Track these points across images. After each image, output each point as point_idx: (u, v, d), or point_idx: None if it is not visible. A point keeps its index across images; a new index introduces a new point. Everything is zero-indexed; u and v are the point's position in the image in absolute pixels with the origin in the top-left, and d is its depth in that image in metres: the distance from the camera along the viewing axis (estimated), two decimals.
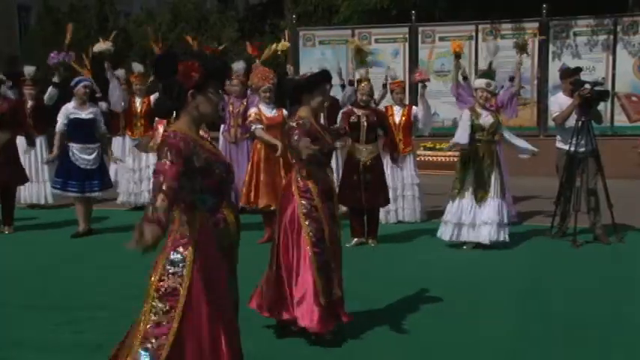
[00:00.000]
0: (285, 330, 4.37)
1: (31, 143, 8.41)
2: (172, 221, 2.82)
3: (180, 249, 2.80)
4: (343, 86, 9.09)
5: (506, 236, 6.82)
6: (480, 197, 6.78)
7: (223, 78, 3.06)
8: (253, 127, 7.21)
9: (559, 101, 7.38)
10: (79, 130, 7.63)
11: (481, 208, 6.76)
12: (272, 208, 7.13)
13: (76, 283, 5.79)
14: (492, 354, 4.22)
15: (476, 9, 14.61)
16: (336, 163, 8.28)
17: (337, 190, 5.35)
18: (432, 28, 13.81)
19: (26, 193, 9.40)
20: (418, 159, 9.98)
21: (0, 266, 6.50)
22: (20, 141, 8.46)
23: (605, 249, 6.98)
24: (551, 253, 6.80)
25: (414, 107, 8.33)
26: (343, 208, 6.81)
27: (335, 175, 8.10)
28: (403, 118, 8.15)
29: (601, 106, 7.64)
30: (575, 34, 12.99)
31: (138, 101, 9.41)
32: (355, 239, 7.03)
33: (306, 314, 4.15)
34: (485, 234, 6.75)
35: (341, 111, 7.61)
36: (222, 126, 8.94)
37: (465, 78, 8.06)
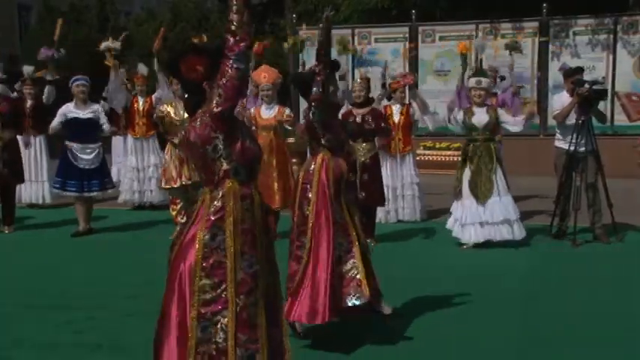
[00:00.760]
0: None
1: (26, 143, 8.45)
2: (202, 202, 2.91)
3: (218, 222, 2.85)
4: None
5: (519, 234, 6.84)
6: (482, 196, 6.78)
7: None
8: None
9: (562, 100, 7.39)
10: (77, 129, 7.63)
11: (488, 207, 6.75)
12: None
13: (76, 283, 5.80)
14: (492, 353, 4.22)
15: (476, 8, 14.61)
16: None
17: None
18: (432, 27, 13.83)
19: (26, 193, 9.42)
20: (418, 158, 9.98)
21: (2, 265, 6.51)
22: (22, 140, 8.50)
23: (605, 248, 6.98)
24: (551, 253, 6.80)
25: (411, 107, 8.34)
26: None
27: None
28: (402, 118, 8.15)
29: (601, 106, 7.64)
30: (575, 34, 12.99)
31: (140, 101, 9.42)
32: None
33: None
34: (498, 232, 6.76)
35: (340, 112, 7.61)
36: None
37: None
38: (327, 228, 4.17)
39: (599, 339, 4.41)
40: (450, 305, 5.04)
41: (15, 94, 9.39)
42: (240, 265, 2.83)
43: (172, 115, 7.34)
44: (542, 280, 5.88)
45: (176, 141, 7.15)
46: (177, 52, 3.00)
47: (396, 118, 8.15)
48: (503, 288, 5.57)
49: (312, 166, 4.31)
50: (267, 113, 7.21)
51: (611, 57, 12.78)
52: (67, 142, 7.73)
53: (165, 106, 7.51)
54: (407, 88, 8.26)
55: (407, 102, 8.34)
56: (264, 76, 7.30)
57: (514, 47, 8.38)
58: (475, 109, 6.84)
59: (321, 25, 4.48)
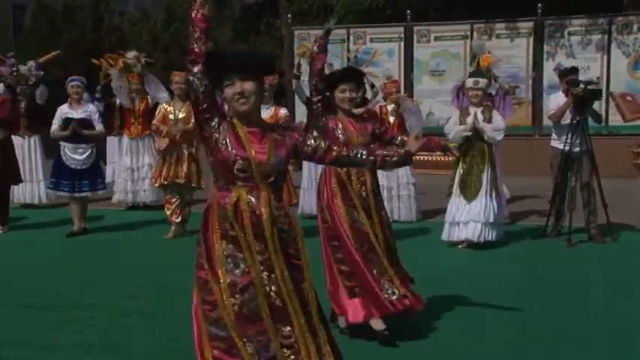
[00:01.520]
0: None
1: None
2: None
3: (202, 228, 2.94)
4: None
5: (493, 235, 6.83)
6: (470, 195, 6.79)
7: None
8: None
9: (557, 100, 7.42)
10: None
11: (472, 207, 6.77)
12: None
13: (72, 283, 5.78)
14: (486, 353, 4.23)
15: (470, 8, 14.63)
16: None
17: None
18: (427, 27, 13.84)
19: (20, 193, 9.38)
20: (414, 158, 9.98)
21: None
22: (17, 140, 8.47)
23: (600, 248, 7.00)
24: (546, 253, 6.82)
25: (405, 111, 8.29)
26: None
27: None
28: (397, 118, 8.15)
29: (596, 106, 7.66)
30: (569, 34, 13.02)
31: (136, 100, 9.38)
32: None
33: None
34: (477, 233, 6.77)
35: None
36: None
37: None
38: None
39: (594, 339, 4.42)
40: (444, 305, 5.04)
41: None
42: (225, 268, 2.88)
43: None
44: (537, 280, 5.88)
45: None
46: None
47: (391, 118, 8.14)
48: (498, 288, 5.57)
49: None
50: (264, 113, 7.18)
51: (605, 57, 12.80)
52: (60, 142, 7.71)
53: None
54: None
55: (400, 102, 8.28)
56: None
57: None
58: (471, 109, 6.84)
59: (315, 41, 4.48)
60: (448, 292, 5.30)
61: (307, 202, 8.13)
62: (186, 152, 7.41)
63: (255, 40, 25.07)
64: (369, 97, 8.29)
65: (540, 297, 5.37)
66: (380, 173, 8.08)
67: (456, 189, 6.88)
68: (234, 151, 2.84)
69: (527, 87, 13.15)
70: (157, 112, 7.64)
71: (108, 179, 9.22)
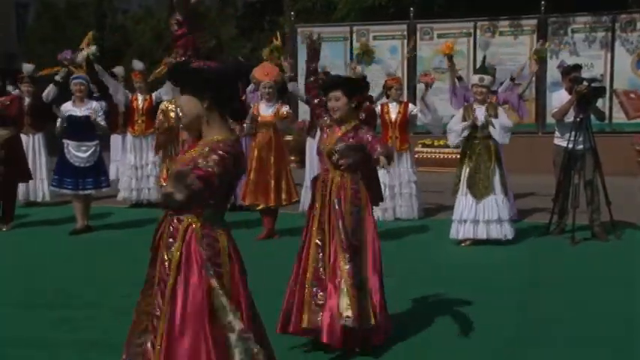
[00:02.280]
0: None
1: None
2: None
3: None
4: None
5: (512, 233, 6.84)
6: (479, 194, 6.78)
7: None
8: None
9: (561, 98, 7.40)
10: (74, 127, 7.63)
11: (482, 205, 6.76)
12: (260, 207, 7.15)
13: (74, 281, 5.79)
14: (490, 351, 4.22)
15: (472, 7, 14.60)
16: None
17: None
18: (431, 25, 13.82)
19: (24, 191, 9.40)
20: (416, 156, 10.00)
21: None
22: (22, 138, 8.48)
23: (603, 246, 6.99)
24: (550, 250, 6.80)
25: (410, 105, 8.32)
26: None
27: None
28: (399, 116, 8.14)
29: (599, 103, 7.64)
30: (573, 32, 13.00)
31: (140, 98, 9.39)
32: None
33: None
34: (490, 231, 6.77)
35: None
36: None
37: (460, 78, 8.01)
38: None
39: (597, 338, 4.41)
40: (447, 303, 5.03)
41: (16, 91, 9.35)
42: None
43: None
44: (540, 278, 5.88)
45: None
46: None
47: (393, 116, 8.13)
48: (501, 286, 5.57)
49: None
50: (267, 111, 7.20)
51: (609, 55, 12.78)
52: (64, 140, 7.73)
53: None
54: (421, 86, 8.21)
55: (405, 100, 8.30)
56: (266, 73, 7.30)
57: (543, 57, 8.19)
58: (476, 106, 6.83)
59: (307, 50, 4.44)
60: (451, 289, 5.30)
61: (308, 200, 8.11)
62: None
63: (258, 38, 25.04)
64: (375, 96, 8.27)
65: (544, 295, 5.37)
66: (382, 171, 8.10)
67: (463, 187, 6.86)
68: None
69: (530, 85, 13.10)
70: (158, 112, 7.60)
71: (112, 177, 9.24)
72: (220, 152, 2.62)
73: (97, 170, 7.80)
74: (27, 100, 9.12)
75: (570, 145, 7.07)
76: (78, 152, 7.66)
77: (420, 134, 12.05)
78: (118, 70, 10.21)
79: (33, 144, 9.37)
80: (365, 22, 14.87)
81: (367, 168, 4.27)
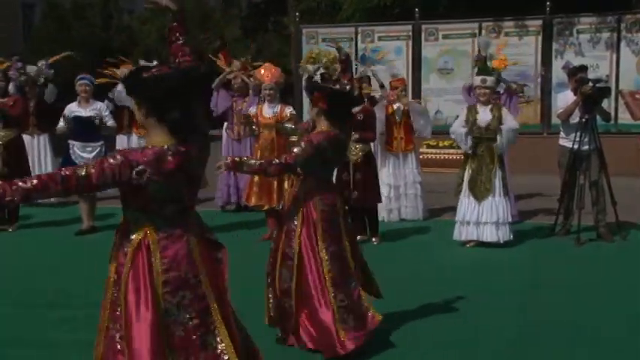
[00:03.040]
0: None
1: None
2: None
3: None
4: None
5: (509, 235, 6.83)
6: (480, 195, 6.78)
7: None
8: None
9: (566, 98, 7.39)
10: (79, 128, 7.65)
11: (483, 207, 6.76)
12: (265, 208, 7.16)
13: (79, 281, 5.79)
14: (495, 352, 4.22)
15: (478, 7, 14.57)
16: None
17: None
18: (436, 25, 13.80)
19: None
20: (421, 157, 9.97)
21: (2, 264, 6.53)
22: (25, 139, 8.51)
23: (608, 247, 6.97)
24: (555, 251, 6.79)
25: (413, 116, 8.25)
26: None
27: None
28: (404, 117, 8.13)
29: (605, 104, 7.63)
30: (578, 32, 12.96)
31: None
32: (358, 237, 7.03)
33: None
34: (488, 233, 6.77)
35: None
36: (225, 123, 8.97)
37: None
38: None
39: (602, 339, 4.40)
40: (451, 304, 5.03)
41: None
42: None
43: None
44: (545, 280, 5.87)
45: None
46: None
47: (398, 117, 8.13)
48: (506, 287, 5.56)
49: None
50: (270, 112, 7.20)
51: (614, 55, 12.74)
52: (69, 141, 7.75)
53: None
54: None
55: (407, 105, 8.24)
56: (267, 75, 7.29)
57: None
58: (479, 107, 6.83)
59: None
60: (455, 290, 5.30)
61: None
62: None
63: (263, 39, 25.08)
64: (377, 97, 8.28)
65: (549, 295, 5.36)
66: (386, 171, 8.12)
67: (465, 188, 6.86)
68: None
69: (535, 85, 13.09)
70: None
71: None
72: (118, 156, 2.67)
73: None
74: (32, 102, 9.15)
75: (576, 146, 7.06)
76: (83, 153, 7.68)
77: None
78: (124, 70, 10.22)
79: (38, 145, 9.41)
80: (370, 23, 14.86)
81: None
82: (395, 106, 8.15)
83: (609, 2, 13.20)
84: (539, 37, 13.06)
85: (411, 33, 13.70)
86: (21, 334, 4.51)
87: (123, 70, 8.77)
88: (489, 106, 6.80)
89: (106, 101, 9.16)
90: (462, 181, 6.92)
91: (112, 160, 2.65)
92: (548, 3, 12.85)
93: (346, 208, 4.40)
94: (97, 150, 7.75)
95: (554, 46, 13.04)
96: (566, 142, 7.35)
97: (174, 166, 2.68)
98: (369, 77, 8.35)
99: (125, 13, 25.49)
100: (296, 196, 4.17)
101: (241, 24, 26.39)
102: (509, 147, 6.91)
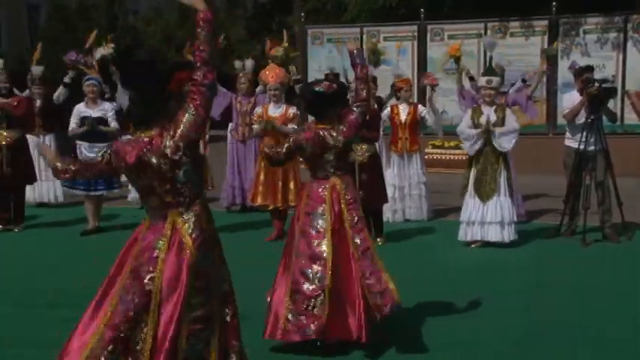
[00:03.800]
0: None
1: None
2: (171, 224, 3.05)
3: (203, 244, 3.09)
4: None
5: (514, 235, 6.82)
6: (485, 195, 6.76)
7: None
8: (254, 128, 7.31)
9: (572, 99, 7.37)
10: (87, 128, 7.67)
11: (488, 207, 6.75)
12: (270, 208, 7.17)
13: (84, 281, 5.79)
14: (500, 352, 4.21)
15: (483, 7, 14.55)
16: None
17: None
18: (441, 26, 13.79)
19: (35, 192, 9.44)
20: (427, 157, 9.97)
21: (9, 264, 6.54)
22: (32, 139, 8.51)
23: (614, 248, 6.95)
24: (560, 252, 6.77)
25: (420, 106, 8.29)
26: None
27: None
28: (409, 117, 8.12)
29: (611, 104, 7.61)
30: (584, 32, 12.92)
31: None
32: None
33: None
34: (493, 233, 6.75)
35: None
36: (229, 124, 8.97)
37: (472, 78, 8.00)
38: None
39: (607, 339, 4.39)
40: (456, 304, 5.03)
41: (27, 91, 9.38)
42: (217, 281, 3.02)
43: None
44: (551, 280, 5.85)
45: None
46: (176, 64, 3.10)
47: (403, 117, 8.11)
48: (512, 288, 5.55)
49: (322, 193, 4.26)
50: (275, 112, 7.24)
51: (621, 56, 12.70)
52: (76, 141, 7.77)
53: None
54: (429, 88, 8.26)
55: (416, 101, 8.28)
56: (272, 75, 7.33)
57: (554, 57, 8.11)
58: (484, 108, 6.82)
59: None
60: (460, 291, 5.29)
61: None
62: None
63: (268, 39, 25.11)
64: (384, 97, 8.26)
65: (554, 296, 5.35)
66: (391, 172, 8.11)
67: (470, 189, 6.85)
68: None
69: (541, 86, 13.04)
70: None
71: (123, 178, 9.25)
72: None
73: None
74: (38, 102, 9.16)
75: (582, 147, 7.04)
76: (90, 153, 7.69)
77: (430, 135, 12.00)
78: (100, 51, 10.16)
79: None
80: (375, 23, 14.85)
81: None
82: (400, 107, 8.15)
83: (616, 2, 13.17)
84: (545, 38, 13.03)
85: (416, 33, 13.69)
86: (21, 334, 4.52)
87: (100, 51, 8.63)
88: (494, 107, 6.79)
89: (114, 103, 9.16)
90: (468, 181, 6.91)
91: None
92: (554, 3, 12.81)
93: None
94: (104, 150, 7.73)
95: (561, 46, 13.01)
96: (572, 142, 7.33)
97: (133, 158, 2.96)
98: (374, 78, 8.34)
99: (130, 14, 25.55)
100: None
101: (246, 24, 26.41)
102: (511, 146, 6.85)
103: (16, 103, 7.90)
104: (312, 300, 4.04)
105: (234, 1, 28.10)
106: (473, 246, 6.90)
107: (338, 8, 18.27)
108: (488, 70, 7.15)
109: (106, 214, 8.31)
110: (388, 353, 4.16)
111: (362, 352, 4.15)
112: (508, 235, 6.78)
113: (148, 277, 2.88)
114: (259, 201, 7.18)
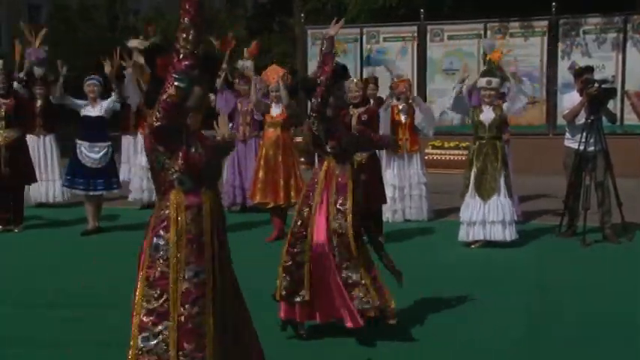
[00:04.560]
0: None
1: None
2: (153, 211, 2.99)
3: (162, 232, 2.89)
4: None
5: (515, 234, 6.82)
6: (486, 194, 6.77)
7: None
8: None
9: (572, 99, 7.38)
10: (87, 128, 7.68)
11: (489, 206, 6.75)
12: (270, 206, 7.18)
13: (85, 281, 5.81)
14: (500, 352, 4.22)
15: (483, 7, 14.57)
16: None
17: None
18: (441, 26, 13.80)
19: (35, 192, 9.44)
20: (426, 157, 9.97)
21: (9, 264, 6.55)
22: (32, 139, 8.52)
23: (614, 248, 6.95)
24: (561, 252, 6.78)
25: (416, 109, 8.26)
26: None
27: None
28: (409, 117, 8.12)
29: (610, 105, 7.61)
30: (584, 33, 12.94)
31: None
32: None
33: None
34: (495, 232, 6.76)
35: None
36: (230, 124, 8.98)
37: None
38: (325, 236, 4.21)
39: (607, 339, 4.39)
40: (456, 304, 5.03)
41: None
42: (183, 275, 2.85)
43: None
44: (551, 280, 5.86)
45: None
46: (159, 49, 3.03)
47: (403, 117, 8.13)
48: (512, 288, 5.55)
49: (318, 173, 4.37)
50: (276, 111, 7.30)
51: (620, 56, 12.72)
52: (77, 141, 7.78)
53: None
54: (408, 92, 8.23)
55: (410, 101, 8.23)
56: (273, 76, 7.38)
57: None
58: (483, 107, 6.85)
59: (325, 35, 4.46)
60: (460, 291, 5.29)
61: None
62: None
63: (268, 39, 25.10)
64: (384, 97, 8.26)
65: (554, 296, 5.35)
66: (391, 172, 8.11)
67: (471, 188, 6.85)
68: (203, 151, 3.11)
69: (541, 86, 13.07)
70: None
71: (124, 178, 9.27)
72: None
73: (109, 172, 7.83)
74: (38, 102, 9.17)
75: (581, 147, 7.04)
76: (90, 153, 7.71)
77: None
78: (129, 71, 10.22)
79: (44, 145, 9.42)
80: (375, 24, 14.87)
81: None
82: (400, 107, 8.16)
83: (615, 3, 13.18)
84: (545, 38, 13.05)
85: (416, 34, 13.70)
86: (21, 334, 4.52)
87: (132, 42, 8.63)
88: (492, 106, 6.82)
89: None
90: (469, 182, 6.91)
91: None
92: (554, 3, 12.83)
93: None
94: (105, 150, 7.76)
95: (560, 46, 13.03)
96: (571, 142, 7.34)
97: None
98: (375, 78, 8.33)
99: (131, 14, 25.57)
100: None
101: (246, 24, 26.44)
102: (510, 148, 6.86)
103: (12, 102, 7.90)
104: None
105: (234, 2, 28.12)
106: (473, 246, 6.90)
107: (338, 8, 18.29)
108: (488, 72, 7.16)
109: (106, 214, 8.31)
110: (388, 353, 4.16)
111: (362, 352, 4.15)
112: (510, 234, 6.80)
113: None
114: (258, 198, 7.19)
